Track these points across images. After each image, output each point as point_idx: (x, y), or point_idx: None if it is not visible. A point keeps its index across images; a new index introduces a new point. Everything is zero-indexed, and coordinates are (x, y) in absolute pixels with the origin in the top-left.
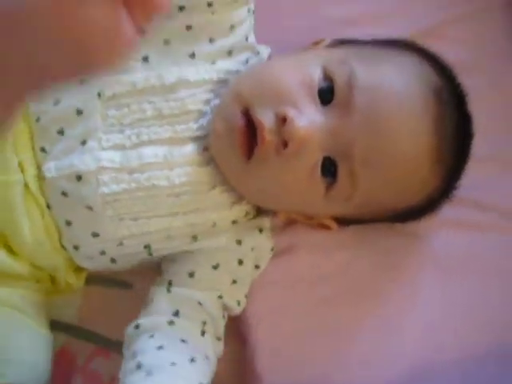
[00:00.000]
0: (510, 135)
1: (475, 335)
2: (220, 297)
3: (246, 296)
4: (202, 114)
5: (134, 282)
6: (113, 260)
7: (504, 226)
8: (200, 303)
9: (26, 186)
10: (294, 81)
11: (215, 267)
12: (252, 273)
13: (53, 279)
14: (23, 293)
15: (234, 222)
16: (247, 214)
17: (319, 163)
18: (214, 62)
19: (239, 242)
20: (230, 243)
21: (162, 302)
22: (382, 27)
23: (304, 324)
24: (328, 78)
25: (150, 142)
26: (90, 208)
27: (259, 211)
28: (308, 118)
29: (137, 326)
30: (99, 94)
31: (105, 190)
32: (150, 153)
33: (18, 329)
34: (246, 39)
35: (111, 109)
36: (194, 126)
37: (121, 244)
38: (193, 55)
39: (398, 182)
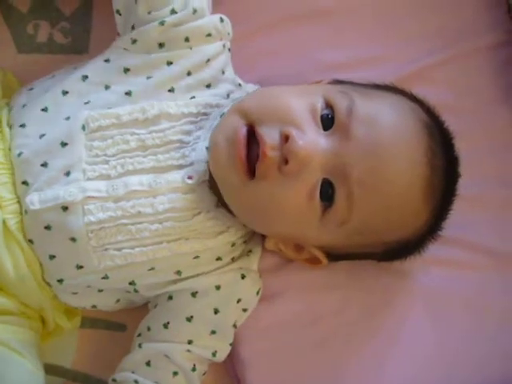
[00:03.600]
0: (493, 176)
1: (467, 374)
2: (188, 350)
3: (231, 344)
4: (183, 143)
5: (127, 324)
6: (98, 294)
7: (488, 264)
8: (167, 356)
9: (4, 222)
10: (299, 105)
11: (189, 319)
12: (237, 317)
13: (42, 319)
14: (15, 330)
15: (218, 259)
16: (233, 244)
17: (319, 184)
18: (193, 97)
19: (218, 288)
20: (210, 288)
21: (135, 357)
22: (372, 71)
23: (299, 367)
24: (329, 106)
25: (135, 171)
26: (73, 239)
27: (248, 249)
28: (311, 138)
29: (114, 380)
30: (83, 127)
31: (91, 218)
32: (135, 181)
33: (9, 367)
34: (223, 73)
35: (96, 140)
36: (176, 154)
37: (106, 277)
38: (172, 90)
39: (392, 209)
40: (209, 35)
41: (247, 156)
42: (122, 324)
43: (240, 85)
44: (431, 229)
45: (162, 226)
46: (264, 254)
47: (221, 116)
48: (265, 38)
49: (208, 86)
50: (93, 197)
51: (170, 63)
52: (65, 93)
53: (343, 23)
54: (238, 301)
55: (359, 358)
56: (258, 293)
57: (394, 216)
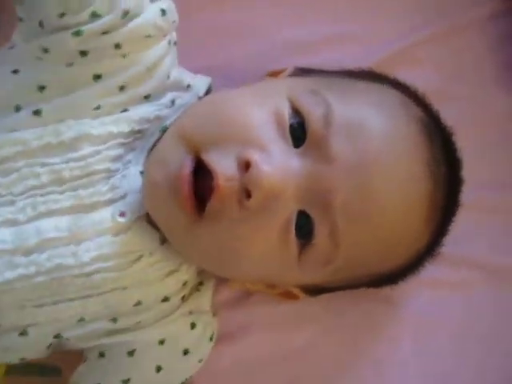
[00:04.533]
0: (485, 179)
1: None
2: None
3: None
4: (111, 172)
5: (63, 367)
6: (21, 359)
7: (478, 281)
8: None
9: None
10: (258, 115)
11: (125, 382)
12: (187, 371)
13: None
14: None
15: (164, 300)
16: (185, 283)
17: (293, 219)
18: (125, 110)
19: (161, 342)
20: (151, 344)
21: None
22: (347, 52)
23: None
24: (298, 112)
25: (50, 213)
26: None
27: (200, 282)
28: (279, 161)
29: None
30: None
31: None
32: (50, 225)
33: None
34: (168, 77)
35: None
36: (103, 188)
37: (25, 333)
38: (98, 107)
39: (387, 240)
40: (148, 37)
41: (194, 188)
42: (56, 367)
43: (189, 86)
44: (431, 249)
45: (90, 279)
46: (219, 285)
47: (161, 131)
48: (215, 13)
49: (147, 98)
50: None
51: (97, 77)
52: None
53: None
54: (185, 352)
55: None
56: (211, 339)
57: (390, 246)
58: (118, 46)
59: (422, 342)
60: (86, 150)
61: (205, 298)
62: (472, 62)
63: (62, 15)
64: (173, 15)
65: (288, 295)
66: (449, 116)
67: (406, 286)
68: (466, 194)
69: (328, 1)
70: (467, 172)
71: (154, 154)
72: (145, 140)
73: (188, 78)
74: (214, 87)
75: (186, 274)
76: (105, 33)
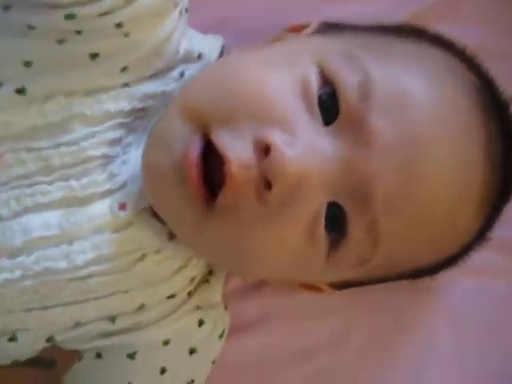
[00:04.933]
0: None
1: None
2: None
3: None
4: (109, 158)
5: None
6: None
7: None
8: None
9: None
10: (281, 85)
11: None
12: (195, 371)
13: None
14: None
15: (170, 297)
16: (193, 279)
17: (322, 213)
18: (125, 85)
19: (166, 343)
20: (155, 345)
21: None
22: (377, 3)
23: None
24: (328, 81)
25: (37, 207)
26: None
27: (209, 273)
28: (305, 144)
29: None
30: None
31: None
32: (38, 222)
33: None
34: (178, 52)
35: None
36: (100, 177)
37: (14, 339)
38: (91, 91)
39: (435, 232)
40: (157, 14)
41: (204, 175)
42: (48, 359)
43: (200, 56)
44: (480, 237)
45: (85, 282)
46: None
47: (167, 106)
48: None
49: (152, 76)
50: None
51: (94, 56)
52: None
53: None
54: (192, 352)
55: None
56: (221, 336)
57: (438, 241)
58: (119, 25)
59: (462, 336)
60: (79, 132)
61: (215, 290)
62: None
63: None
64: None
65: (310, 287)
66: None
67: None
68: None
69: None
70: None
71: (153, 134)
72: (147, 119)
73: (198, 44)
74: (227, 47)
75: (196, 268)
76: (104, 14)
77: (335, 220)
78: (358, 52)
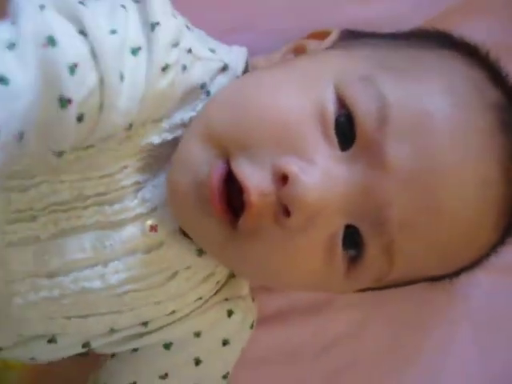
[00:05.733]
0: None
1: None
2: None
3: None
4: (140, 184)
5: None
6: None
7: None
8: None
9: None
10: (298, 111)
11: (163, 377)
12: (229, 363)
13: None
14: None
15: (198, 300)
16: (218, 282)
17: (340, 234)
18: (159, 121)
19: (197, 335)
20: (187, 337)
21: None
22: (399, 4)
23: None
24: (345, 105)
25: (73, 231)
26: (10, 315)
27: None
28: (323, 171)
29: None
30: None
31: (19, 301)
32: (74, 246)
33: None
34: (202, 87)
35: (14, 191)
36: (132, 203)
37: (53, 341)
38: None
39: (449, 251)
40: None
41: (227, 197)
42: None
43: (225, 67)
44: (497, 246)
45: (121, 298)
46: None
47: None
48: None
49: (179, 107)
50: (16, 271)
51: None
52: None
53: None
54: (225, 343)
55: None
56: (251, 326)
57: (452, 257)
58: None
59: (483, 336)
60: (111, 166)
61: (242, 284)
62: None
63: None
64: (174, 39)
65: None
66: None
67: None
68: None
69: None
70: None
71: (176, 157)
72: (175, 144)
73: (223, 56)
74: (250, 59)
75: (221, 274)
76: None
77: (352, 239)
78: (377, 74)
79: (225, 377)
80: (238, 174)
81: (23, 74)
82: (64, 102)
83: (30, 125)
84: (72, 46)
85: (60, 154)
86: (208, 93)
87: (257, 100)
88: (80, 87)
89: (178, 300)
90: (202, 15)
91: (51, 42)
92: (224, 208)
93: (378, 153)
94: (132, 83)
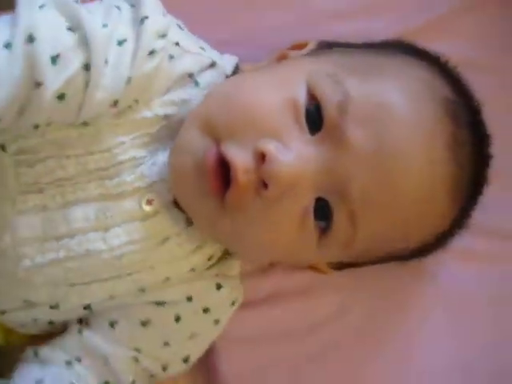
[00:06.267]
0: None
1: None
2: (136, 359)
3: (188, 358)
4: (138, 160)
5: None
6: (50, 323)
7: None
8: (107, 360)
9: None
10: (275, 103)
11: (144, 324)
12: (201, 329)
13: None
14: None
15: (191, 271)
16: (211, 257)
17: (311, 207)
18: (150, 100)
19: (189, 299)
20: (180, 300)
21: (70, 340)
22: (374, 21)
23: None
24: (315, 97)
25: (78, 201)
26: (14, 280)
27: (227, 252)
28: (295, 152)
29: (35, 353)
30: (3, 147)
31: (27, 263)
32: (79, 214)
33: None
34: (191, 75)
35: (22, 166)
36: (129, 177)
37: (56, 307)
38: (116, 101)
39: (407, 222)
40: (151, 79)
41: (222, 181)
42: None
43: (214, 64)
44: (458, 225)
45: (120, 261)
46: None
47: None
48: None
49: (170, 90)
50: (26, 237)
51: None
52: None
53: None
54: (205, 310)
55: (367, 369)
56: (233, 304)
57: (411, 228)
58: (136, 101)
59: (455, 316)
60: (109, 141)
61: (232, 265)
62: (500, 32)
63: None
64: (160, 31)
65: (314, 269)
66: (479, 86)
67: (435, 258)
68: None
69: None
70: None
71: (177, 141)
72: (171, 126)
73: (213, 56)
74: (240, 64)
75: (212, 248)
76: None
77: (323, 211)
78: (341, 74)
79: (190, 338)
80: (227, 155)
81: (11, 68)
82: (37, 85)
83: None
84: (56, 40)
85: (36, 126)
86: (196, 83)
87: (242, 96)
88: (60, 73)
89: (172, 267)
90: (199, 27)
91: (31, 39)
92: (217, 185)
93: (340, 136)
94: (116, 66)
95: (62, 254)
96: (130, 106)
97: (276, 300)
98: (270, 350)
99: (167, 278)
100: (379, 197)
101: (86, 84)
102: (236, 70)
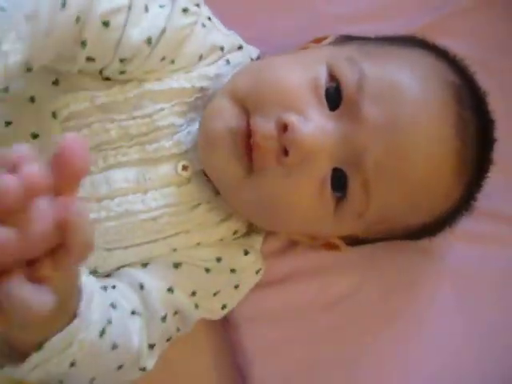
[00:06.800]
0: None
1: (499, 358)
2: (170, 290)
3: (205, 309)
4: (175, 128)
5: None
6: None
7: None
8: (142, 286)
9: None
10: (298, 82)
11: (176, 266)
12: (222, 287)
13: None
14: None
15: (220, 240)
16: (236, 232)
17: (329, 176)
18: (188, 72)
19: (219, 260)
20: (210, 259)
21: (106, 259)
22: (382, 24)
23: (312, 357)
24: (334, 78)
25: (119, 165)
26: None
27: (251, 229)
28: (315, 124)
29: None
30: (54, 114)
31: None
32: (120, 177)
33: None
34: (222, 49)
35: (70, 130)
36: (167, 143)
37: (94, 272)
38: (159, 79)
39: (417, 194)
40: (183, 39)
41: (248, 148)
42: None
43: (240, 47)
44: (465, 203)
45: (156, 222)
46: (267, 236)
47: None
48: None
49: (205, 64)
50: None
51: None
52: (28, 70)
53: None
54: (232, 270)
55: (379, 344)
56: (257, 272)
57: (421, 200)
58: (163, 58)
59: (462, 294)
60: (150, 107)
61: (256, 240)
62: (502, 33)
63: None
64: (194, 0)
65: (330, 246)
66: (486, 84)
67: (443, 239)
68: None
69: None
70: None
71: (210, 108)
72: (206, 98)
73: (240, 40)
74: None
75: (237, 222)
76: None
77: (339, 182)
78: (358, 57)
79: (215, 294)
80: (252, 125)
81: None
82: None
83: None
84: None
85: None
86: (228, 61)
87: (269, 74)
88: (111, 2)
89: (203, 233)
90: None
91: None
92: (247, 151)
93: (357, 112)
94: (154, 16)
95: (102, 214)
96: (169, 72)
97: (294, 278)
98: (289, 324)
99: (198, 243)
100: (391, 168)
101: (126, 21)
102: (259, 58)
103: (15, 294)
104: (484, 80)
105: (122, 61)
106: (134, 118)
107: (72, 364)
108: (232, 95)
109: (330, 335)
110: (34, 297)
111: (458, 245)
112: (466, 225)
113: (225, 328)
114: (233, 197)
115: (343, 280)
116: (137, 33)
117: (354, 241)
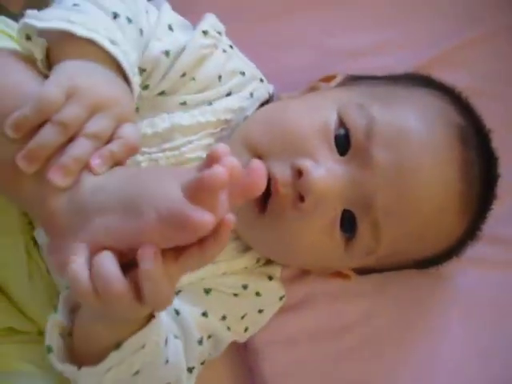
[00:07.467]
0: None
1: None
2: (205, 314)
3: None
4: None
5: None
6: None
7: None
8: (178, 311)
9: (28, 248)
10: (309, 128)
11: (207, 292)
12: (249, 311)
13: None
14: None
15: (244, 268)
16: (259, 260)
17: (339, 217)
18: (210, 104)
19: (245, 287)
20: (236, 285)
21: None
22: (388, 57)
23: (325, 382)
24: (343, 124)
25: None
26: None
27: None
28: (326, 169)
29: None
30: None
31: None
32: None
33: None
34: (243, 74)
35: None
36: None
37: None
38: (184, 103)
39: (424, 233)
40: (202, 57)
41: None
42: None
43: (262, 80)
44: (470, 235)
45: None
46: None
47: (244, 119)
48: (266, 30)
49: (229, 95)
50: None
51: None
52: None
53: (355, 7)
54: (257, 294)
55: (391, 369)
56: (281, 299)
57: (428, 238)
58: (183, 74)
59: (470, 320)
60: (179, 140)
61: (276, 270)
62: (506, 65)
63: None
64: (216, 28)
65: (340, 275)
66: (488, 115)
67: (452, 265)
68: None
69: (367, 13)
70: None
71: None
72: (230, 130)
73: (261, 74)
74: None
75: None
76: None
77: (349, 224)
78: (368, 102)
79: (242, 317)
80: (270, 171)
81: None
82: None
83: None
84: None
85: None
86: (251, 95)
87: (281, 121)
88: (149, 15)
89: (229, 264)
90: None
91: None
92: (260, 197)
93: (366, 157)
94: (176, 36)
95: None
96: (193, 95)
97: (309, 304)
98: (305, 349)
99: (224, 273)
100: (399, 208)
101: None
102: (272, 97)
103: (159, 284)
104: (491, 111)
105: (142, 71)
106: (163, 151)
107: (136, 372)
108: (245, 141)
109: (343, 359)
110: (169, 292)
111: (468, 270)
112: (474, 251)
113: (239, 352)
114: (245, 234)
115: (355, 306)
116: (158, 46)
117: (364, 270)
